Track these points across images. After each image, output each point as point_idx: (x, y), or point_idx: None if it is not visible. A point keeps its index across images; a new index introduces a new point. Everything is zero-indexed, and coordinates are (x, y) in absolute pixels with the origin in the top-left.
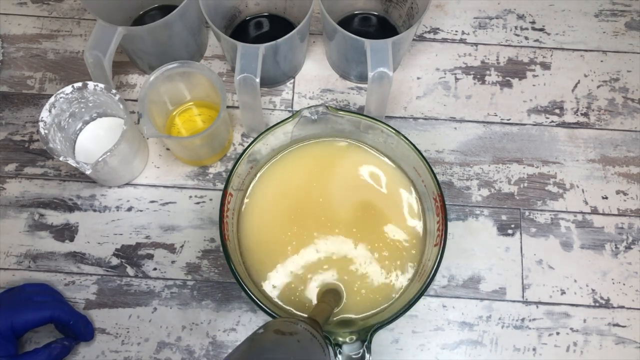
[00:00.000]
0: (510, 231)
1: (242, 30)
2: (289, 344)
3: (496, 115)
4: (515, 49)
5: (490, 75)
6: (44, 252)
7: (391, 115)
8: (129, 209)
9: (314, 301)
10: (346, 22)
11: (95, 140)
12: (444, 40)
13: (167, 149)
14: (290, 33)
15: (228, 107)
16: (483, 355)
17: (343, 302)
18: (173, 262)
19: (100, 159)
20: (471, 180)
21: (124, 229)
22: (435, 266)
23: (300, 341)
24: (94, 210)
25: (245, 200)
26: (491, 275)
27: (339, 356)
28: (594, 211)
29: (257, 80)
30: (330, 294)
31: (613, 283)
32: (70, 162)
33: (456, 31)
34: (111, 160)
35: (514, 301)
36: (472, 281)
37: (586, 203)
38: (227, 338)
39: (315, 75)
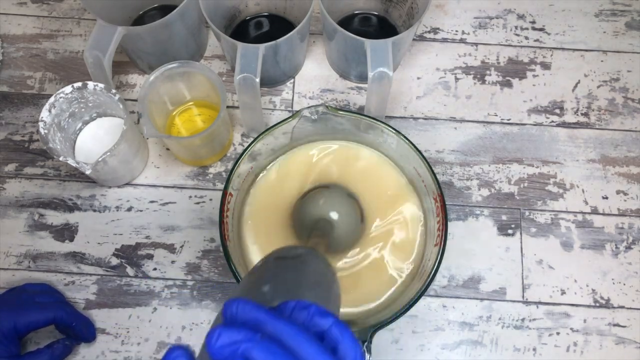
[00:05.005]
0: (510, 231)
1: (242, 30)
2: (294, 267)
3: (496, 115)
4: (515, 49)
5: (490, 75)
6: (43, 252)
7: (391, 115)
8: (129, 209)
9: None
10: (346, 22)
11: (95, 140)
12: (444, 40)
13: (167, 149)
14: (290, 33)
15: (228, 107)
16: (483, 356)
17: (335, 234)
18: (173, 262)
19: (100, 159)
20: (471, 180)
21: (124, 229)
22: (435, 266)
23: (305, 262)
24: (94, 210)
25: (245, 200)
26: (491, 275)
27: None
28: (594, 211)
29: (257, 80)
30: (321, 225)
31: (613, 283)
32: (70, 162)
33: (456, 31)
34: (111, 160)
35: (514, 301)
36: (472, 281)
37: (586, 203)
38: None
39: (315, 75)
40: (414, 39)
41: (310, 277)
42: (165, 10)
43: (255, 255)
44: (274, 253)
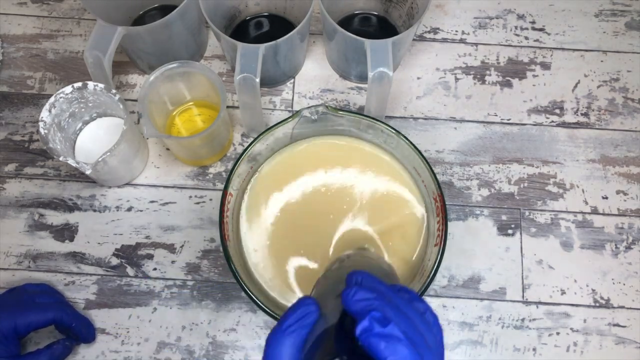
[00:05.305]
0: (510, 231)
1: (242, 30)
2: (366, 258)
3: (496, 115)
4: (515, 49)
5: (490, 75)
6: (43, 252)
7: (391, 115)
8: (129, 209)
9: None
10: (346, 22)
11: (95, 140)
12: (444, 40)
13: (167, 149)
14: (290, 33)
15: (228, 107)
16: (483, 355)
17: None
18: (173, 262)
19: (100, 159)
20: (471, 180)
21: (124, 229)
22: (435, 266)
23: (370, 257)
24: (94, 210)
25: (245, 200)
26: (491, 275)
27: None
28: (594, 211)
29: (257, 80)
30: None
31: (613, 283)
32: (70, 162)
33: (456, 31)
34: (111, 160)
35: (514, 301)
36: (472, 281)
37: (586, 203)
38: (227, 338)
39: (315, 75)
40: (414, 39)
41: (382, 267)
42: (165, 10)
43: (255, 255)
44: (340, 257)
